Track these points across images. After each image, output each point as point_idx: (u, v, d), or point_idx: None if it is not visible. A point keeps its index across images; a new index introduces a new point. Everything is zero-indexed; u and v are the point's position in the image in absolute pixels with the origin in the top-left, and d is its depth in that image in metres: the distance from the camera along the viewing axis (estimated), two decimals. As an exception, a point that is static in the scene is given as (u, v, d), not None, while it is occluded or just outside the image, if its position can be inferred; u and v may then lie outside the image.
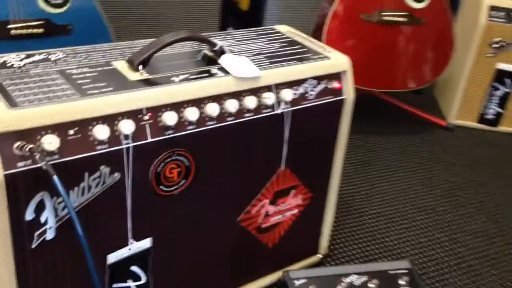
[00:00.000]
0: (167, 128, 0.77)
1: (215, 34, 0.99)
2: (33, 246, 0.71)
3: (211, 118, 0.81)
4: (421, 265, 1.19)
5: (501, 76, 1.72)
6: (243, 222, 0.94)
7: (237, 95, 0.84)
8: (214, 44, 0.88)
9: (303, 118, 0.93)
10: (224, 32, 1.02)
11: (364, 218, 1.32)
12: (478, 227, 1.34)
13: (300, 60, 0.93)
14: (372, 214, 1.33)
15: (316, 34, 1.60)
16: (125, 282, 0.83)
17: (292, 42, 1.00)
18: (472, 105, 1.78)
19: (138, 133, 0.75)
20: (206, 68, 0.85)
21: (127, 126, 0.73)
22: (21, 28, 1.15)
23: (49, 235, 0.72)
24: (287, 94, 0.89)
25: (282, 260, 1.05)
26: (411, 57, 1.63)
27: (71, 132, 0.69)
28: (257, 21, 1.78)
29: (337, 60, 0.96)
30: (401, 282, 1.00)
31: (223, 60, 0.86)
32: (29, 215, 0.69)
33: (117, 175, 0.75)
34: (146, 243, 0.82)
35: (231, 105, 0.82)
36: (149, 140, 0.76)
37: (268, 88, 0.87)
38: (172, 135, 0.78)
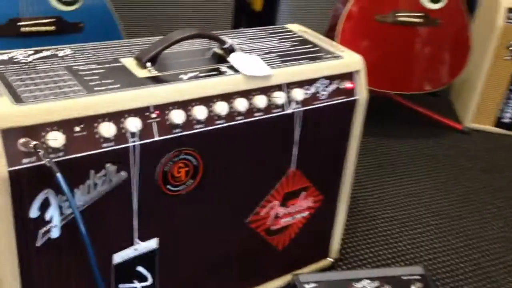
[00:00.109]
0: (175, 126, 0.76)
1: (225, 32, 0.98)
2: (38, 244, 0.70)
3: (220, 117, 0.80)
4: (435, 271, 1.16)
5: (519, 79, 1.69)
6: (252, 224, 0.93)
7: (247, 94, 0.82)
8: (223, 42, 0.86)
9: (314, 118, 0.91)
10: (235, 30, 1.00)
11: (377, 222, 1.30)
12: (495, 233, 1.31)
13: (312, 59, 0.91)
14: (385, 218, 1.31)
15: (330, 34, 1.58)
16: (131, 282, 0.82)
17: (304, 41, 0.99)
18: (489, 109, 1.75)
19: (145, 131, 0.73)
20: (215, 66, 0.83)
21: (133, 124, 0.71)
22: (32, 25, 1.14)
23: (54, 234, 0.71)
24: (298, 94, 0.87)
25: (292, 263, 1.03)
26: (426, 58, 1.60)
27: (77, 129, 0.68)
28: (270, 21, 1.77)
29: (350, 60, 0.94)
30: (414, 288, 0.97)
31: (232, 58, 0.85)
32: (33, 213, 0.68)
33: (123, 174, 0.74)
34: (153, 243, 0.81)
35: (241, 104, 0.81)
36: (156, 138, 0.74)
37: (278, 87, 0.86)
38: (179, 134, 0.76)
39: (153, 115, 0.74)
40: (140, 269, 0.82)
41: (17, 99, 0.66)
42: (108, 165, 0.72)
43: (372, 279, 0.97)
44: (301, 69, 0.88)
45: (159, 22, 1.62)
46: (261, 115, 0.84)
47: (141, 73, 0.78)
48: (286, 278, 1.03)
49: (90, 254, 0.65)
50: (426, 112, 1.79)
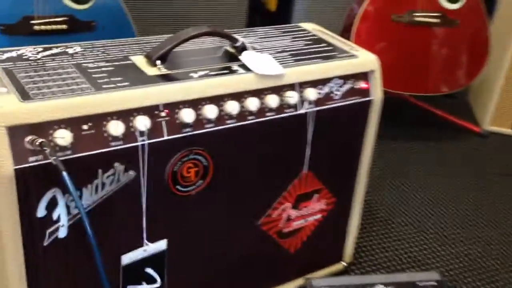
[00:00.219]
0: (185, 125, 0.74)
1: (237, 30, 0.96)
2: (45, 244, 0.70)
3: (230, 117, 0.78)
4: (451, 277, 1.14)
5: (539, 81, 1.66)
6: (263, 226, 0.91)
7: (259, 93, 0.80)
8: (235, 40, 0.85)
9: (328, 119, 0.89)
10: (247, 29, 0.99)
11: (392, 225, 1.27)
12: (514, 238, 1.28)
13: (326, 58, 0.89)
14: (400, 222, 1.29)
15: (345, 35, 1.55)
16: (140, 284, 0.80)
17: (318, 40, 0.97)
18: (508, 111, 1.72)
19: (154, 130, 0.72)
20: (226, 65, 0.82)
21: (142, 123, 0.70)
22: (45, 24, 1.14)
23: (61, 233, 0.70)
24: (311, 94, 0.85)
25: (304, 266, 1.02)
26: (443, 60, 1.57)
27: (85, 127, 0.67)
28: (285, 21, 1.75)
29: (364, 59, 0.92)
30: (429, 294, 0.95)
31: (244, 57, 0.83)
32: (40, 212, 0.68)
33: (132, 173, 0.72)
34: (162, 244, 0.80)
35: (252, 104, 0.79)
36: (166, 137, 0.73)
37: (291, 87, 0.84)
38: (189, 133, 0.75)
39: (163, 114, 0.73)
40: (149, 270, 0.80)
41: (24, 96, 0.66)
42: (116, 164, 0.71)
43: (386, 284, 0.95)
44: (315, 68, 0.86)
45: (172, 21, 1.62)
46: (273, 115, 0.82)
47: (151, 71, 0.77)
48: (298, 282, 1.01)
49: (96, 254, 0.64)
50: (443, 115, 1.76)
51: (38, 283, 0.71)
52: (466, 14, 1.55)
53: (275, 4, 1.85)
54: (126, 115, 0.70)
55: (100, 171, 0.70)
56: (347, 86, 0.90)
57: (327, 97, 0.88)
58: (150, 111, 0.72)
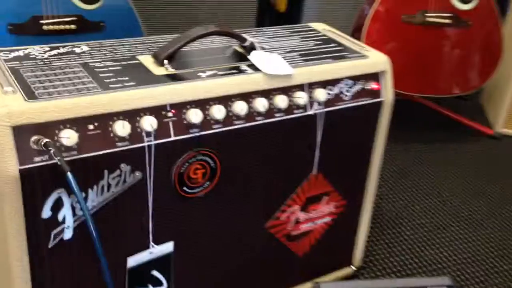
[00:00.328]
0: (192, 126, 0.73)
1: (246, 30, 0.95)
2: (50, 245, 0.69)
3: (238, 117, 0.77)
4: (463, 283, 1.12)
5: (553, 83, 1.63)
6: (271, 229, 0.89)
7: (267, 93, 0.79)
8: (244, 40, 0.83)
9: (338, 120, 0.87)
10: (256, 28, 0.98)
11: (402, 229, 1.25)
12: (527, 243, 1.26)
13: (336, 58, 0.88)
14: (411, 226, 1.27)
15: (355, 36, 1.54)
16: (146, 286, 0.80)
17: (328, 40, 0.95)
18: (521, 114, 1.69)
19: (161, 131, 0.71)
20: (235, 65, 0.81)
21: (149, 123, 0.69)
22: (54, 24, 1.14)
23: (67, 235, 0.69)
24: (321, 94, 0.84)
25: (313, 270, 1.00)
26: (455, 61, 1.55)
27: (91, 127, 0.67)
28: (295, 23, 1.74)
29: (375, 60, 0.90)
30: (441, 300, 0.93)
31: (253, 57, 0.82)
32: (46, 213, 0.67)
33: (138, 174, 0.71)
34: (168, 247, 0.79)
35: (260, 104, 0.78)
36: (172, 138, 0.72)
37: (300, 87, 0.82)
38: (197, 134, 0.74)
39: (170, 114, 0.72)
40: (155, 273, 0.79)
41: (30, 95, 0.65)
42: (122, 165, 0.70)
43: (396, 289, 0.94)
44: (324, 68, 0.85)
45: (180, 21, 1.61)
46: (281, 116, 0.81)
47: (158, 70, 0.76)
48: (306, 286, 1.00)
49: (101, 256, 0.63)
50: (455, 116, 1.74)
51: (43, 285, 0.70)
52: (479, 15, 1.53)
53: (285, 5, 1.84)
54: (132, 115, 0.69)
55: (106, 172, 0.69)
56: (357, 87, 0.89)
57: (337, 98, 0.86)
58: (157, 111, 0.71)
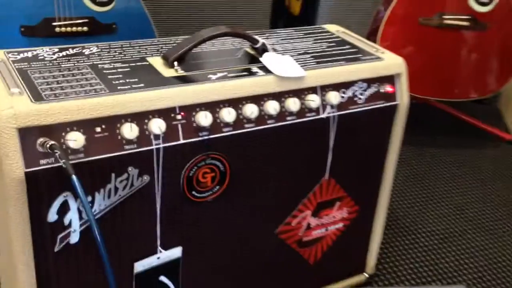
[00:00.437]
0: (201, 129, 0.72)
1: (257, 32, 0.94)
2: (56, 249, 0.68)
3: (249, 120, 0.75)
4: (479, 292, 1.09)
5: None
6: (282, 234, 0.88)
7: (279, 96, 0.78)
8: (255, 41, 0.82)
9: (351, 124, 0.85)
10: (268, 30, 0.96)
11: (417, 236, 1.23)
12: (546, 252, 1.22)
13: (350, 60, 0.86)
14: (426, 232, 1.24)
15: (371, 38, 1.51)
16: (154, 292, 0.78)
17: (342, 42, 0.93)
18: (540, 118, 1.66)
19: (170, 134, 0.70)
20: (246, 67, 0.79)
21: (157, 126, 0.68)
22: (66, 26, 1.14)
23: (73, 239, 0.68)
24: (334, 97, 0.82)
25: (324, 277, 0.98)
26: (473, 64, 1.52)
27: (98, 129, 0.65)
28: (309, 25, 1.72)
29: (390, 62, 0.88)
30: (456, 310, 0.90)
31: (264, 59, 0.80)
32: (52, 217, 0.66)
33: (146, 178, 0.70)
34: (176, 252, 0.77)
35: (272, 107, 0.76)
36: (181, 141, 0.71)
37: (312, 90, 0.81)
38: (206, 137, 0.72)
39: (179, 117, 0.70)
40: (163, 278, 0.78)
41: (37, 97, 0.64)
42: (130, 168, 0.68)
43: (410, 298, 0.91)
44: (337, 71, 0.83)
45: (192, 23, 1.61)
46: (293, 119, 0.79)
47: (167, 72, 0.74)
48: (317, 293, 0.98)
49: (105, 261, 0.61)
50: (472, 121, 1.71)
51: (49, 290, 0.69)
52: (497, 17, 1.50)
53: (299, 8, 1.82)
54: (140, 118, 0.68)
55: (113, 175, 0.68)
56: (371, 90, 0.87)
57: (351, 101, 0.84)
58: (165, 113, 0.69)
